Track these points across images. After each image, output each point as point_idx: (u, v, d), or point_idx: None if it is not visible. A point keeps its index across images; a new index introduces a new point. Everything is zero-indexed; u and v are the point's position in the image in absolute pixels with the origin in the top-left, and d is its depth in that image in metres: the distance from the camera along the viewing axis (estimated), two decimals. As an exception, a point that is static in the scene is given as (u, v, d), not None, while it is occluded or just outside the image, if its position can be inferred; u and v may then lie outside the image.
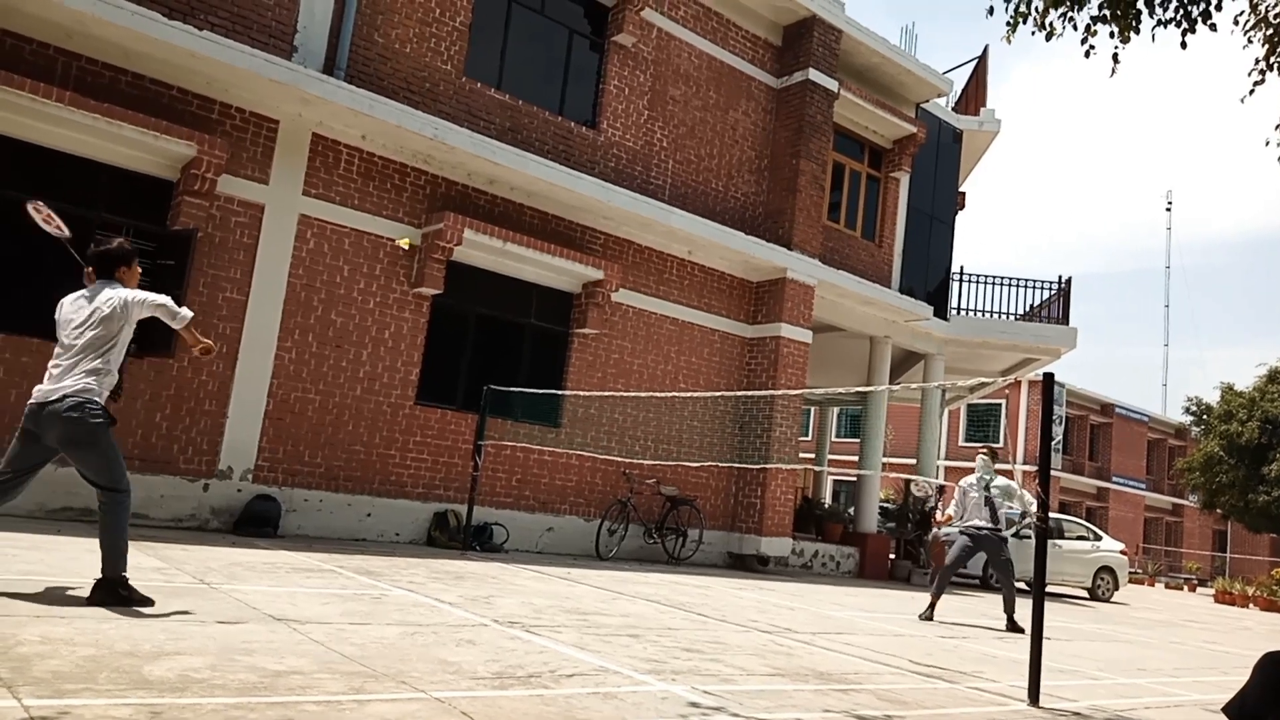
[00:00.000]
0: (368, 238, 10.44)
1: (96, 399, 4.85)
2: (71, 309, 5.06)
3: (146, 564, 6.24)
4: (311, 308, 10.02)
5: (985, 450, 9.98)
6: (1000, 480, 9.76)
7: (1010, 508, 9.95)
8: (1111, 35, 6.81)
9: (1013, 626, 9.30)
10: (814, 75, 14.21)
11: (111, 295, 5.01)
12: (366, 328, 10.40)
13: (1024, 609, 12.26)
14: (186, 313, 5.20)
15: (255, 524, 9.22)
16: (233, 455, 9.43)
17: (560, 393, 11.68)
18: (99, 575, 4.73)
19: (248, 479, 9.53)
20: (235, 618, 4.77)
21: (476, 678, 4.11)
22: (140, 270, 5.40)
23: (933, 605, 9.49)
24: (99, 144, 8.74)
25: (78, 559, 6.10)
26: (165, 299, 5.15)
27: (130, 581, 4.77)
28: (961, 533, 9.69)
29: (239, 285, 9.54)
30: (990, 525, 9.51)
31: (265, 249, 9.69)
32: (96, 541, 4.83)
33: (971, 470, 9.90)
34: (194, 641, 4.10)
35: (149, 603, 4.72)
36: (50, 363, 4.98)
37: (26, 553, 6.07)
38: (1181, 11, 6.46)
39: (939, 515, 10.38)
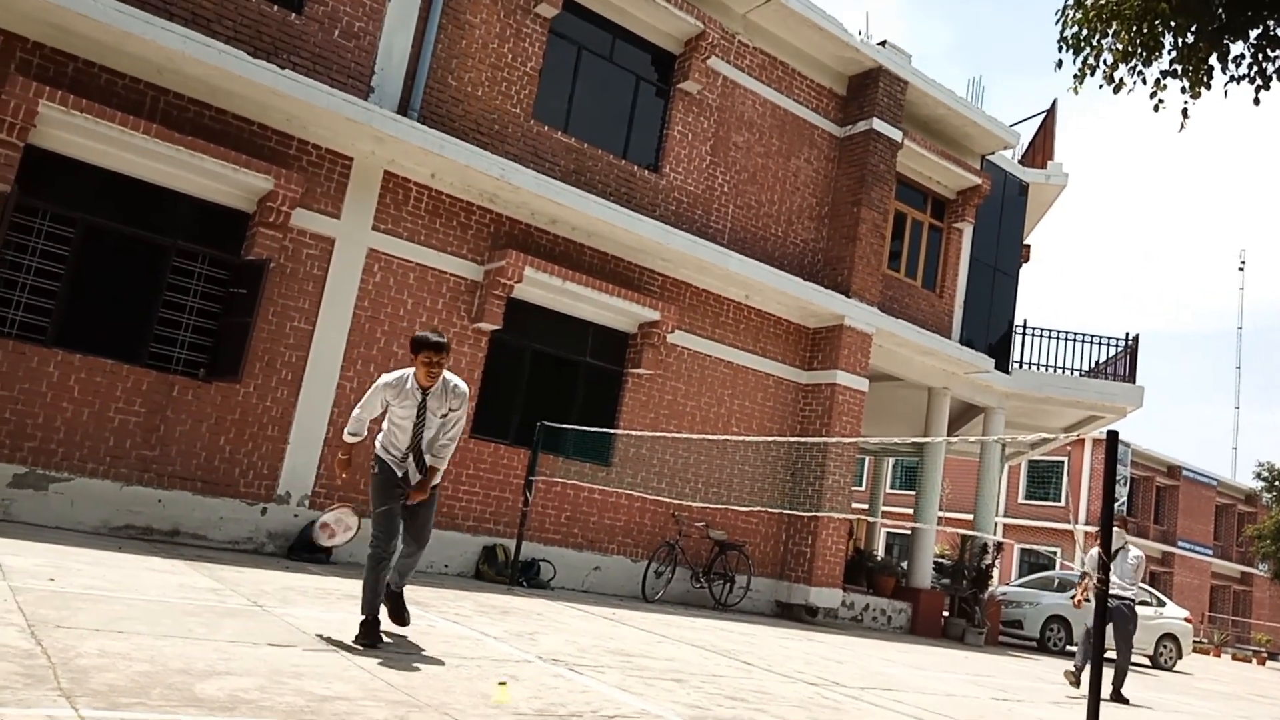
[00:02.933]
0: (432, 273, 10.67)
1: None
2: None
3: (201, 584, 6.38)
4: (375, 339, 10.25)
5: (1117, 521, 10.39)
6: (1135, 552, 10.01)
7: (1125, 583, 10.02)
8: (1183, 90, 6.73)
9: (1118, 697, 9.47)
10: (878, 125, 14.23)
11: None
12: (426, 360, 10.56)
13: (1083, 672, 11.80)
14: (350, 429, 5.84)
15: (309, 550, 9.36)
16: (292, 481, 9.62)
17: (612, 431, 11.71)
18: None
19: (304, 505, 9.71)
20: (286, 641, 4.85)
21: (518, 714, 4.12)
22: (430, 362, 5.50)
23: (1080, 669, 9.53)
24: (181, 175, 9.10)
25: (137, 576, 6.26)
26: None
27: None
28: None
29: (307, 315, 9.80)
30: (1125, 595, 9.80)
31: (334, 281, 9.96)
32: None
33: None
34: (244, 662, 4.18)
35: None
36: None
37: (89, 568, 6.25)
38: (1255, 68, 6.37)
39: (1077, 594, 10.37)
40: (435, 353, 5.39)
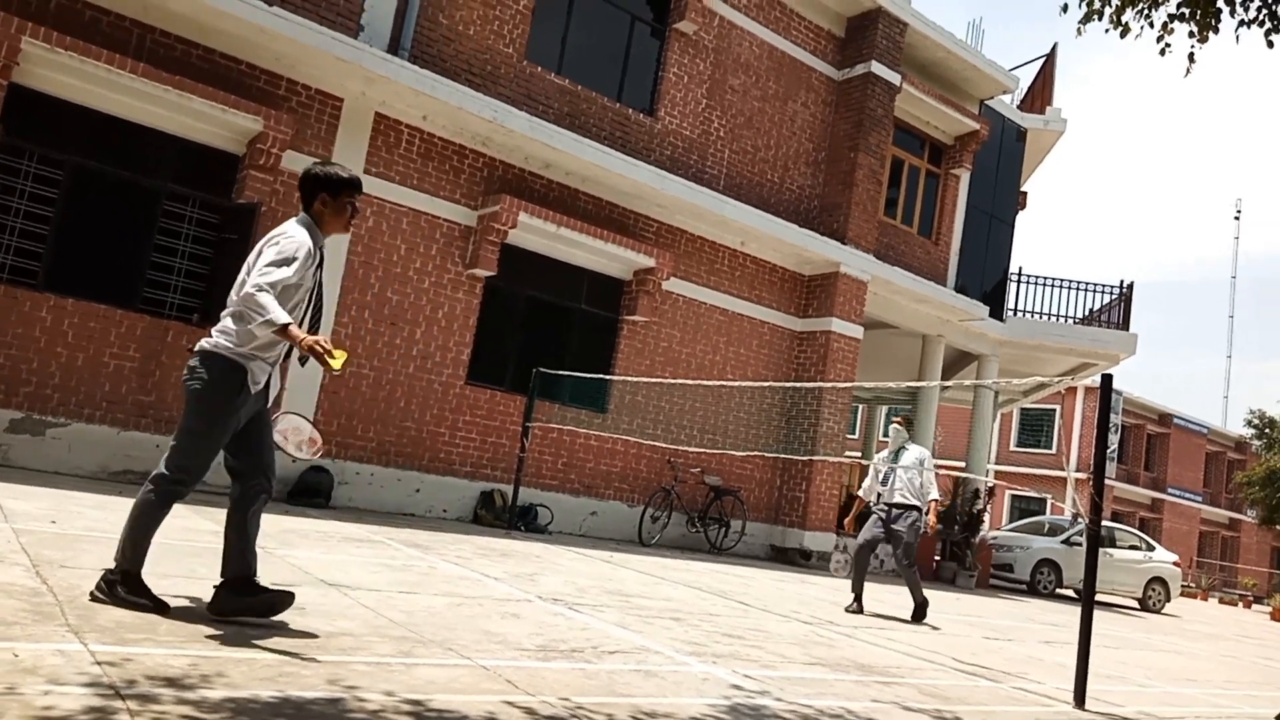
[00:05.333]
0: (425, 218, 10.56)
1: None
2: None
3: (204, 528, 6.41)
4: (369, 285, 10.18)
5: (898, 420, 8.73)
6: (916, 449, 8.59)
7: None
8: (1190, 35, 6.61)
9: (919, 615, 8.26)
10: (876, 68, 14.03)
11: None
12: (421, 307, 10.53)
13: (1071, 614, 12.01)
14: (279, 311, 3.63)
15: (308, 494, 9.41)
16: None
17: (608, 377, 11.72)
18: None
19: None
20: (289, 581, 4.88)
21: (521, 649, 4.17)
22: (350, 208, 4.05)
23: (858, 596, 8.29)
24: (169, 115, 8.95)
25: (138, 518, 6.27)
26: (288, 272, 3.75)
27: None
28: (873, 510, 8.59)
29: (299, 260, 9.70)
30: (908, 500, 8.31)
31: (325, 225, 9.84)
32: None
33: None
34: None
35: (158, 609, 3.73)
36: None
37: (90, 511, 6.27)
38: (1265, 10, 6.25)
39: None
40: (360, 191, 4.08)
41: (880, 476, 8.62)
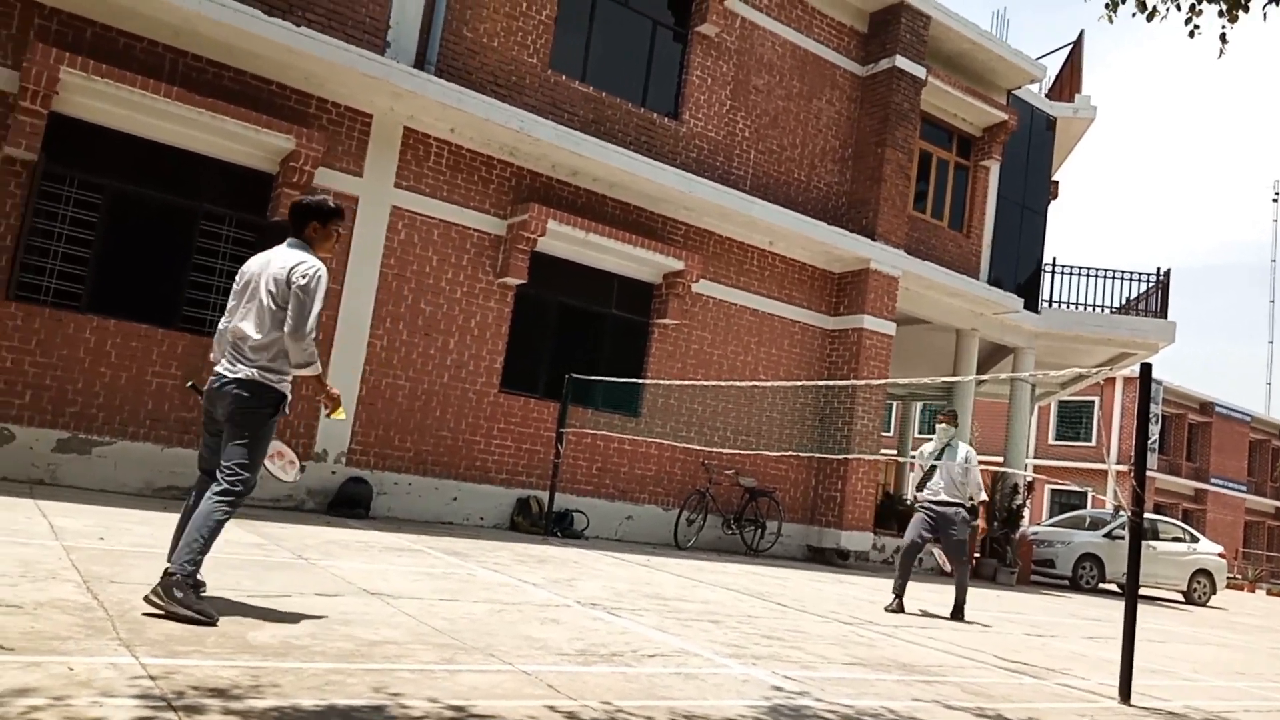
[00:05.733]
0: (455, 228, 10.67)
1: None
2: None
3: (247, 540, 6.53)
4: (402, 297, 10.30)
5: (944, 417, 8.57)
6: (963, 448, 8.50)
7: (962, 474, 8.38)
8: (1220, 14, 6.52)
9: (958, 614, 8.23)
10: (900, 62, 13.96)
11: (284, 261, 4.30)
12: (454, 316, 10.64)
13: (1115, 608, 11.84)
14: (315, 353, 4.36)
15: (348, 505, 9.53)
16: (328, 439, 9.76)
17: (641, 381, 11.76)
18: None
19: (341, 462, 9.85)
20: (332, 591, 4.97)
21: (561, 654, 4.21)
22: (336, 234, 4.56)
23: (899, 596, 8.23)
24: (203, 137, 9.12)
25: (184, 533, 6.41)
26: (317, 306, 4.33)
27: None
28: (920, 509, 8.55)
29: (334, 275, 9.85)
30: (955, 499, 8.30)
31: (359, 240, 9.99)
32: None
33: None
34: (293, 611, 4.29)
35: (207, 621, 3.81)
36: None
37: (137, 527, 6.41)
38: (1296, -13, 6.16)
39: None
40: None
41: (923, 475, 8.57)
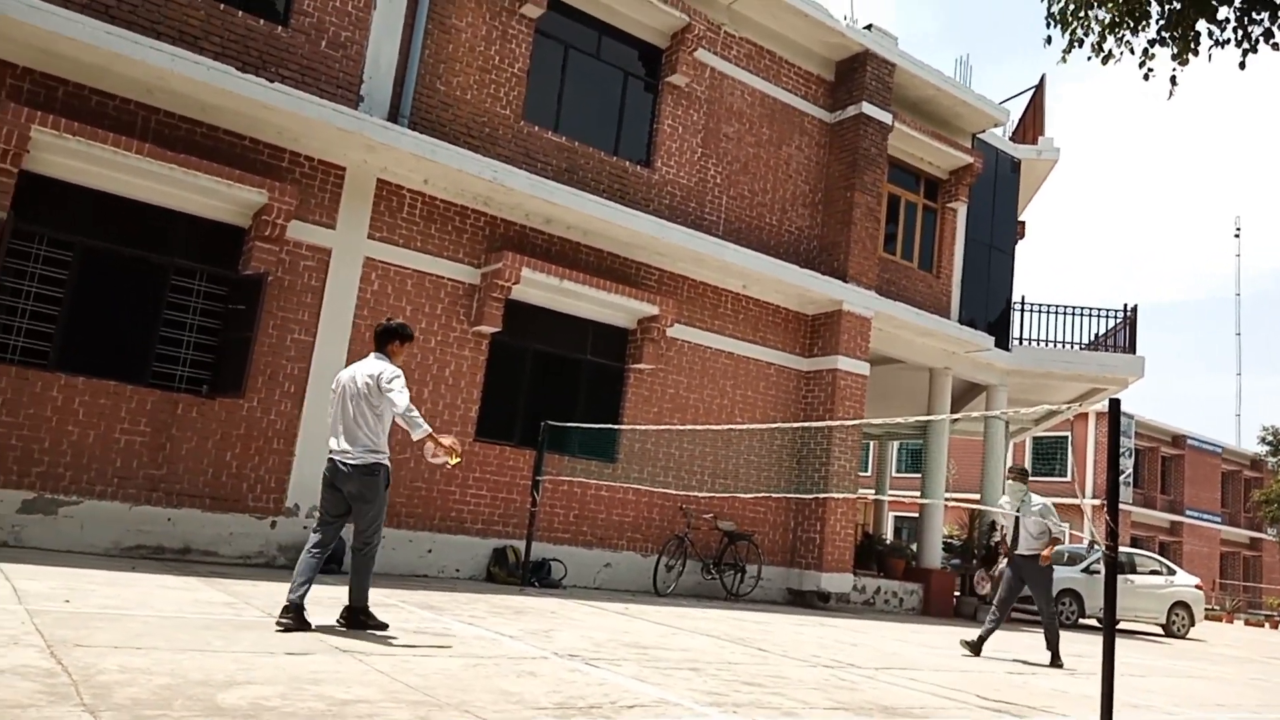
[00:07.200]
0: (429, 278, 10.69)
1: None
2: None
3: (216, 599, 6.42)
4: (375, 347, 10.25)
5: (1011, 473, 9.73)
6: (1036, 500, 9.41)
7: (1059, 525, 9.42)
8: (1172, 58, 6.74)
9: (1055, 662, 8.97)
10: (867, 108, 14.24)
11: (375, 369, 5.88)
12: (428, 366, 10.61)
13: (1094, 643, 11.84)
14: (419, 418, 5.77)
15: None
16: (300, 493, 9.65)
17: (617, 427, 11.74)
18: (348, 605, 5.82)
19: (314, 516, 9.72)
20: (303, 649, 4.89)
21: (539, 707, 4.15)
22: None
23: (982, 639, 9.08)
24: (175, 193, 9.12)
25: (151, 594, 6.30)
26: (404, 392, 5.81)
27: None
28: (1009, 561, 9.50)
29: (307, 327, 9.83)
30: (1033, 550, 9.21)
31: (332, 291, 9.98)
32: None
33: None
34: (264, 671, 4.22)
35: (384, 627, 5.78)
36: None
37: (103, 588, 6.29)
38: (1241, 31, 6.38)
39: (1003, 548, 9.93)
40: None
41: (1008, 532, 9.61)
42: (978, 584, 9.07)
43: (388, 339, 6.03)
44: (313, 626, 5.50)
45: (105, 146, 8.43)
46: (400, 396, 5.71)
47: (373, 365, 5.87)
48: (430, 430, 5.73)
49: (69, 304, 8.76)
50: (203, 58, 8.77)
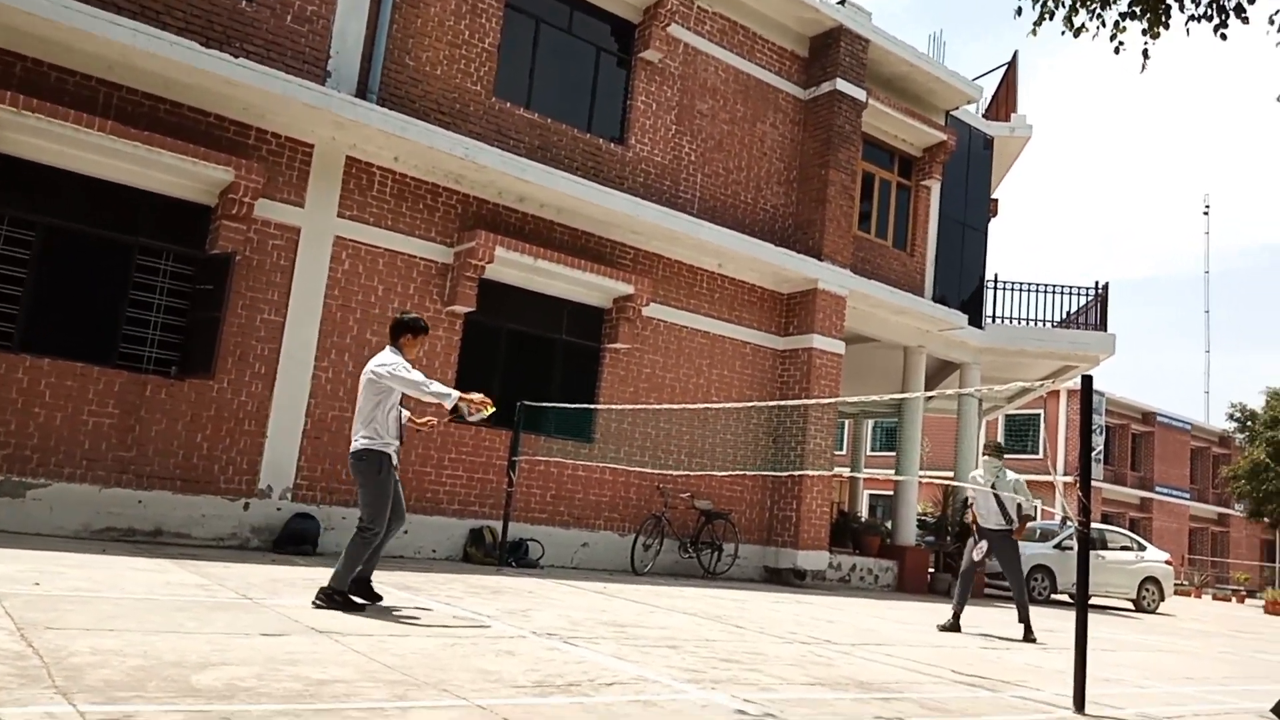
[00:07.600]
0: (401, 257, 10.57)
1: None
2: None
3: (189, 581, 6.34)
4: (347, 328, 10.15)
5: (987, 449, 9.77)
6: (1010, 475, 9.50)
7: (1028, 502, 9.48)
8: (1143, 32, 6.75)
9: (1028, 636, 8.96)
10: (841, 85, 14.21)
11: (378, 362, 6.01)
12: (401, 346, 10.50)
13: (1067, 619, 12.01)
14: (440, 389, 5.81)
15: (295, 542, 9.32)
16: (272, 474, 9.55)
17: (593, 407, 11.71)
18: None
19: (287, 497, 9.64)
20: (278, 630, 4.84)
21: (517, 686, 4.13)
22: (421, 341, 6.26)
23: (957, 615, 9.14)
24: (140, 171, 8.94)
25: (123, 576, 6.21)
26: (406, 375, 5.85)
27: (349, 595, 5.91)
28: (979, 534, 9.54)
29: (276, 307, 9.69)
30: (1001, 525, 9.29)
31: (301, 271, 9.85)
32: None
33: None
34: (239, 653, 4.16)
35: (361, 609, 5.83)
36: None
37: (74, 571, 6.19)
38: (1213, 5, 6.40)
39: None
40: None
41: (976, 503, 9.66)
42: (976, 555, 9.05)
43: (399, 332, 6.14)
44: (381, 599, 6.14)
45: (66, 124, 8.23)
46: (411, 375, 5.82)
47: (380, 357, 6.02)
48: (458, 395, 5.78)
49: (32, 285, 8.58)
50: (165, 33, 8.57)
